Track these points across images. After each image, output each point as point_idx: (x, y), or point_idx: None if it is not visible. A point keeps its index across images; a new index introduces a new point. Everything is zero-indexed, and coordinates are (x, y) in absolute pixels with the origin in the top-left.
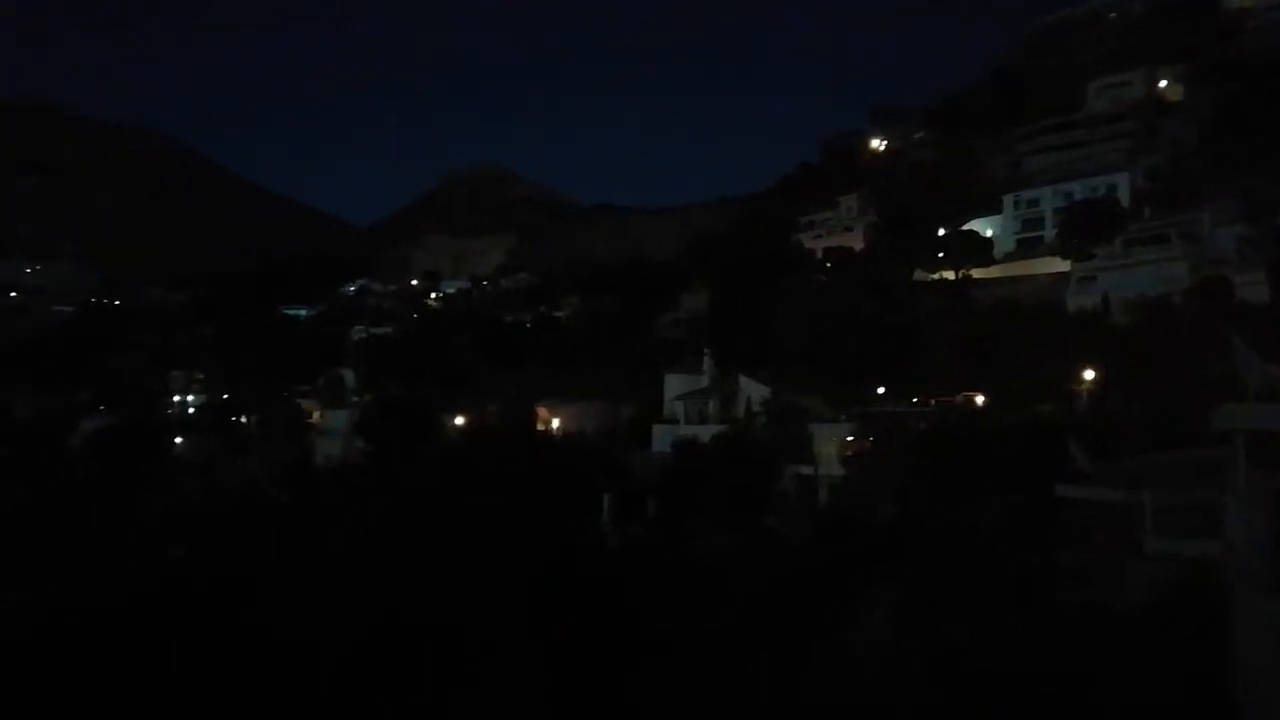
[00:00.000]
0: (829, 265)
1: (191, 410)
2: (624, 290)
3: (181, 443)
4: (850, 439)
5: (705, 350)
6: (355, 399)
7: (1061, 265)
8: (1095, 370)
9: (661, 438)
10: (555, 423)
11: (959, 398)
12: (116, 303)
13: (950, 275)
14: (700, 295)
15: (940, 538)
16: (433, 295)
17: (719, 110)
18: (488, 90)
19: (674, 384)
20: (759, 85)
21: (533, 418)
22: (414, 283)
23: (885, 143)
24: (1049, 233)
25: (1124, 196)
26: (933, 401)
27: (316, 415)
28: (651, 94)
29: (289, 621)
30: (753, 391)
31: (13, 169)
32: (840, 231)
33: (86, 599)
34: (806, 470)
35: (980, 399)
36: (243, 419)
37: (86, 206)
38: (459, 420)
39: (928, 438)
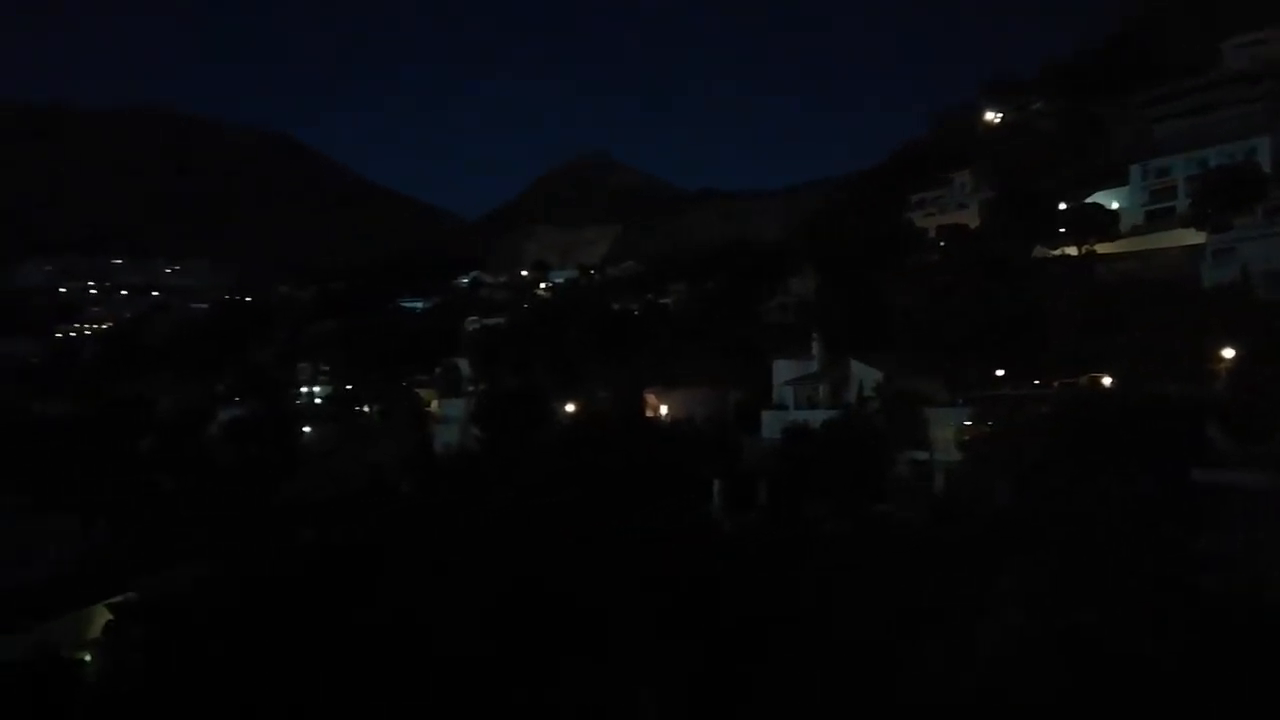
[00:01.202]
0: (942, 244)
1: (318, 400)
2: (730, 275)
3: (309, 431)
4: (968, 423)
5: (814, 334)
6: (470, 388)
7: (1195, 238)
8: (1235, 348)
9: (771, 424)
10: (664, 409)
11: (1084, 379)
12: (249, 299)
13: (1073, 251)
14: (808, 278)
15: (1068, 523)
16: (542, 285)
17: (823, 91)
18: (593, 80)
19: (783, 369)
20: (865, 65)
21: (641, 405)
22: (524, 273)
23: (1000, 115)
24: (1181, 203)
25: (1265, 162)
26: (1056, 383)
27: (434, 404)
28: (754, 76)
29: (410, 601)
30: (864, 376)
31: (151, 173)
32: (954, 209)
33: (237, 574)
34: (921, 456)
35: (1107, 380)
36: (365, 408)
37: (219, 208)
38: (569, 408)
39: (1052, 421)
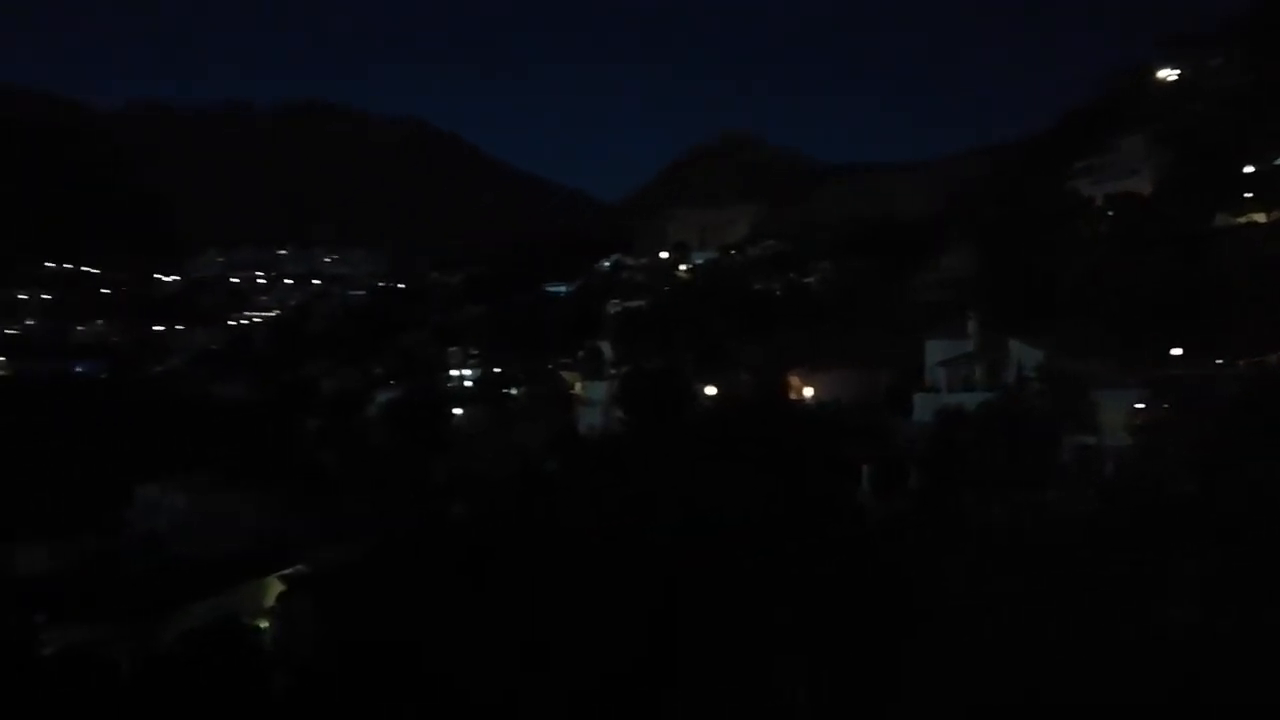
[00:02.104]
0: (1111, 213)
1: (467, 383)
2: (877, 252)
3: (460, 413)
4: (1141, 405)
5: (969, 312)
6: (613, 371)
7: None
8: None
9: (923, 406)
10: (808, 391)
11: (1275, 357)
12: (402, 286)
13: (1260, 218)
14: (961, 253)
15: (1256, 512)
16: (682, 267)
17: (969, 59)
18: (732, 57)
19: (935, 349)
20: (1010, 31)
21: (785, 386)
22: (664, 255)
23: (1176, 73)
24: None
25: None
26: (1242, 362)
27: (578, 387)
28: (899, 45)
29: (558, 579)
30: (1024, 355)
31: (312, 167)
32: (1123, 175)
33: (396, 549)
34: (1088, 440)
35: None
36: (512, 391)
37: (374, 199)
38: (711, 390)
39: (1238, 402)
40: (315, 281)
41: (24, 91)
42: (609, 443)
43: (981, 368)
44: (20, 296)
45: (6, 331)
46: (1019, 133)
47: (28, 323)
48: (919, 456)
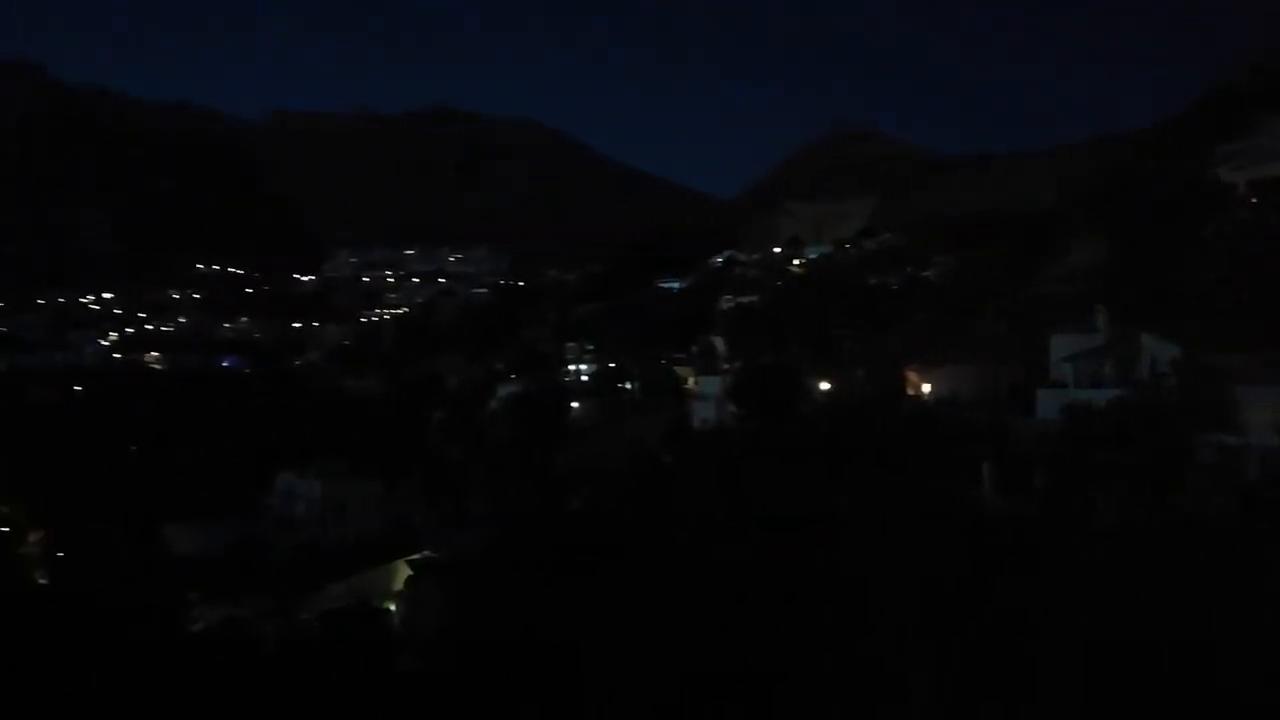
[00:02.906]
0: (1255, 200)
1: (584, 378)
2: (998, 244)
3: (577, 407)
4: None
5: (1098, 305)
6: (726, 366)
7: None
8: None
9: (1047, 403)
10: (926, 387)
11: None
12: (521, 284)
13: None
14: (1088, 244)
15: None
16: (795, 262)
17: (1093, 45)
18: (846, 50)
19: (1061, 344)
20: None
21: (901, 382)
22: (777, 250)
23: None
24: None
25: None
26: None
27: (691, 381)
28: (1012, 36)
29: (671, 569)
30: (1157, 350)
31: (436, 167)
32: (1271, 159)
33: (518, 538)
34: (1229, 440)
35: None
36: (627, 385)
37: (494, 197)
38: (825, 385)
39: None
40: (440, 280)
41: (179, 107)
42: (722, 437)
43: (1112, 362)
44: (174, 296)
45: (163, 328)
46: (1144, 120)
47: (180, 320)
48: (1044, 455)
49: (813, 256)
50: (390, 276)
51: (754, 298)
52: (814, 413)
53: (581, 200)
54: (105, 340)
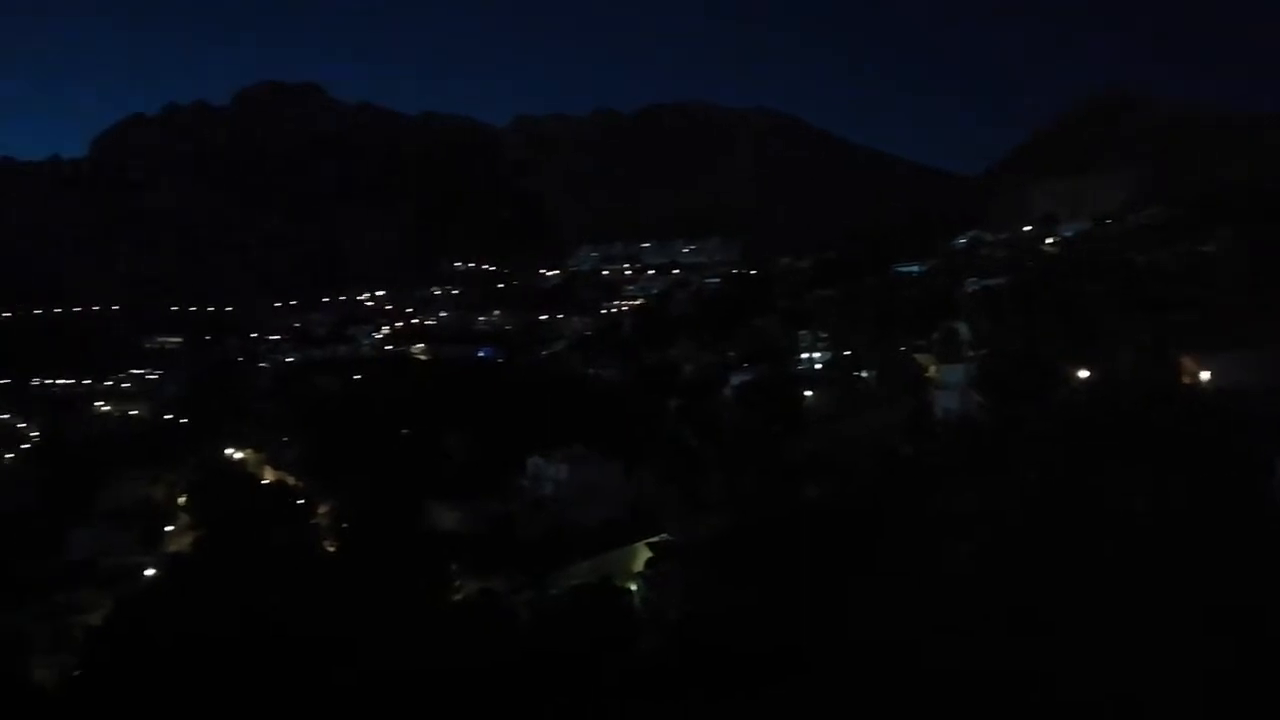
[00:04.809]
0: None
1: (818, 366)
2: None
3: (811, 395)
4: None
5: None
6: (970, 353)
7: None
8: None
9: None
10: (1204, 375)
11: None
12: (753, 272)
13: None
14: None
15: None
16: (1049, 240)
17: None
18: (1105, 11)
19: None
20: None
21: (1176, 370)
22: (1027, 229)
23: None
24: None
25: None
26: None
27: (932, 369)
28: None
29: (908, 563)
30: None
31: (671, 161)
32: None
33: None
34: None
35: None
36: (863, 374)
37: (728, 187)
38: (1084, 373)
39: None
40: (675, 271)
41: (436, 117)
42: (968, 428)
43: None
44: (435, 292)
45: (426, 322)
46: None
47: (441, 314)
48: None
49: (1068, 235)
50: (628, 269)
51: (1002, 280)
52: (1072, 403)
53: (818, 186)
54: (378, 334)
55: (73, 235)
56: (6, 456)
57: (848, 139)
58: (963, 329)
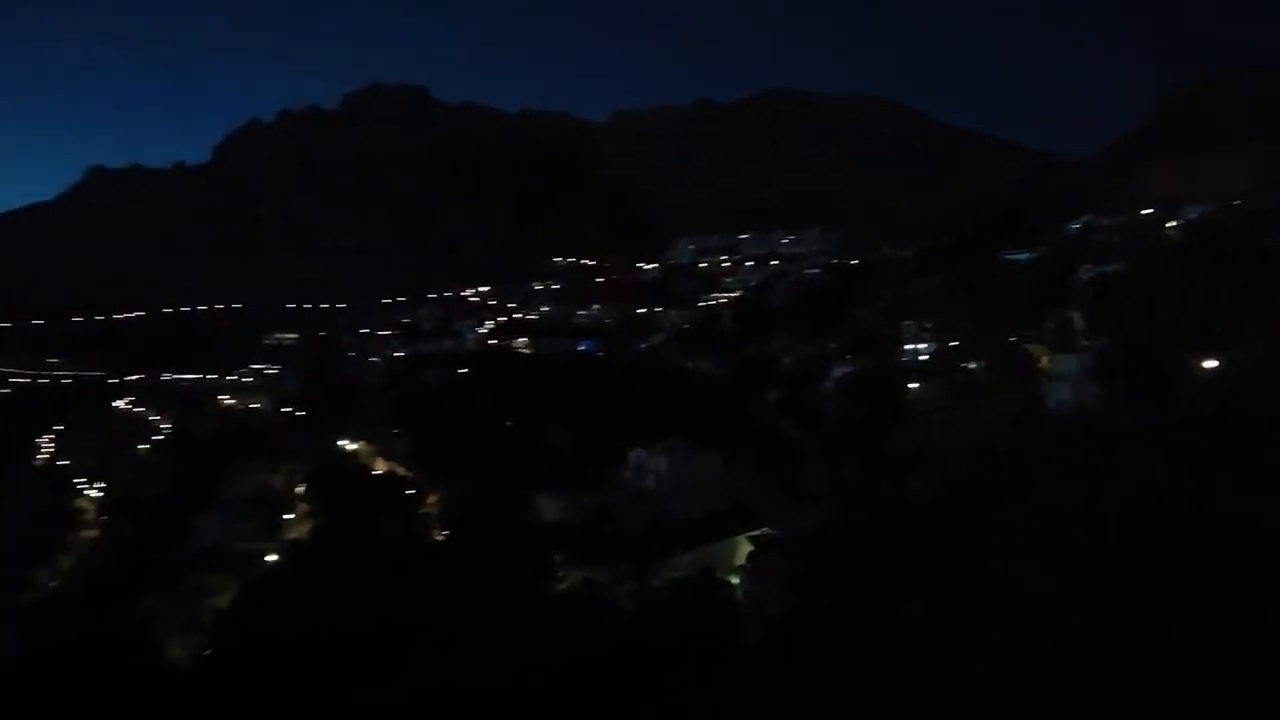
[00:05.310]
0: None
1: (922, 357)
2: None
3: (916, 388)
4: None
5: None
6: (1085, 342)
7: None
8: None
9: None
10: None
11: None
12: (854, 262)
13: None
14: None
15: None
16: (1170, 224)
17: None
18: None
19: None
20: None
21: None
22: (1146, 212)
23: None
24: None
25: None
26: None
27: (1044, 360)
28: None
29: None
30: None
31: (772, 150)
32: None
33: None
34: None
35: None
36: (970, 365)
37: (828, 176)
38: (1209, 364)
39: None
40: (774, 262)
41: (536, 114)
42: (1083, 422)
43: None
44: (536, 287)
45: (528, 317)
46: None
47: (543, 309)
48: None
49: (1192, 217)
50: (726, 261)
51: (1120, 266)
52: (1196, 395)
53: (920, 173)
54: (482, 329)
55: (197, 237)
56: (141, 448)
57: (951, 123)
58: (1077, 318)
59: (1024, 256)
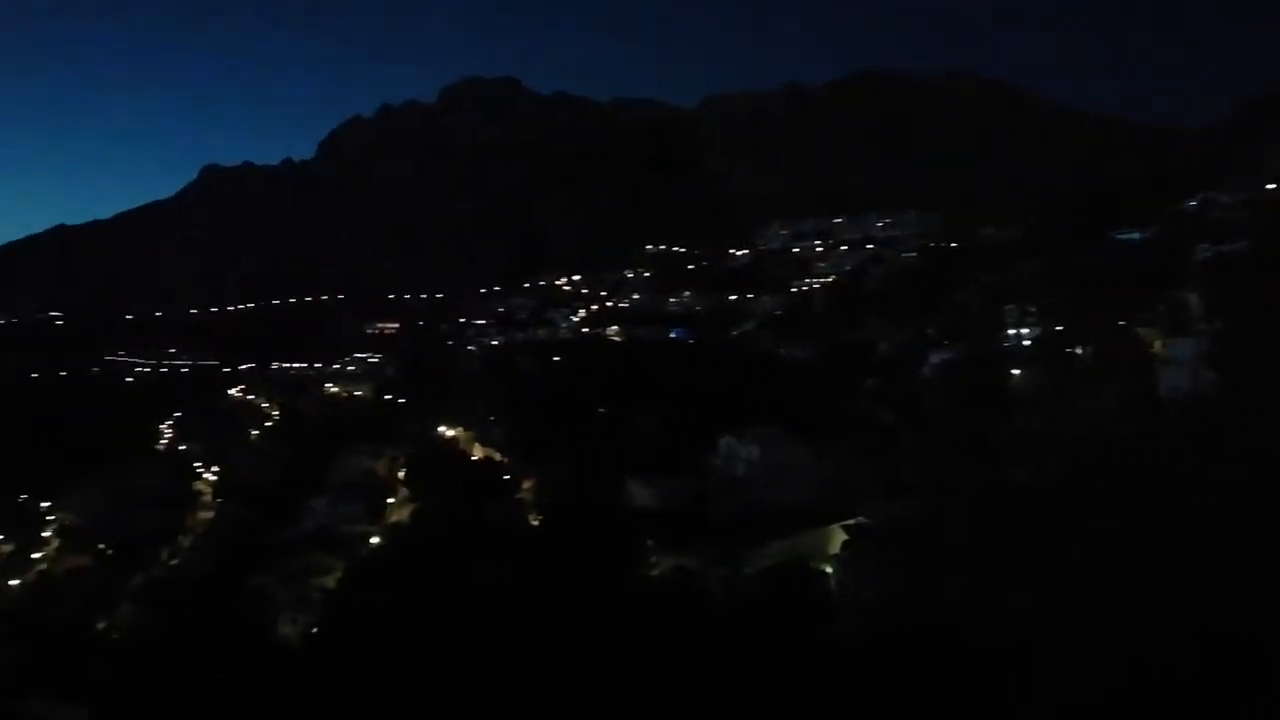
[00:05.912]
0: None
1: (1026, 342)
2: None
3: (1019, 374)
4: None
5: None
6: (1202, 326)
7: None
8: None
9: None
10: None
11: None
12: (953, 245)
13: None
14: None
15: None
16: None
17: None
18: None
19: None
20: None
21: None
22: (1270, 187)
23: None
24: None
25: None
26: None
27: (1157, 345)
28: None
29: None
30: None
31: (865, 132)
32: None
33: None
34: None
35: None
36: (1077, 350)
37: (925, 157)
38: None
39: None
40: (869, 246)
41: (627, 102)
42: (1200, 409)
43: None
44: (628, 275)
45: (620, 305)
46: None
47: (634, 297)
48: None
49: None
50: (819, 246)
51: (1240, 245)
52: None
53: (1022, 151)
54: (575, 317)
55: (304, 231)
56: (253, 433)
57: (1054, 99)
58: (1193, 300)
59: (1135, 236)
